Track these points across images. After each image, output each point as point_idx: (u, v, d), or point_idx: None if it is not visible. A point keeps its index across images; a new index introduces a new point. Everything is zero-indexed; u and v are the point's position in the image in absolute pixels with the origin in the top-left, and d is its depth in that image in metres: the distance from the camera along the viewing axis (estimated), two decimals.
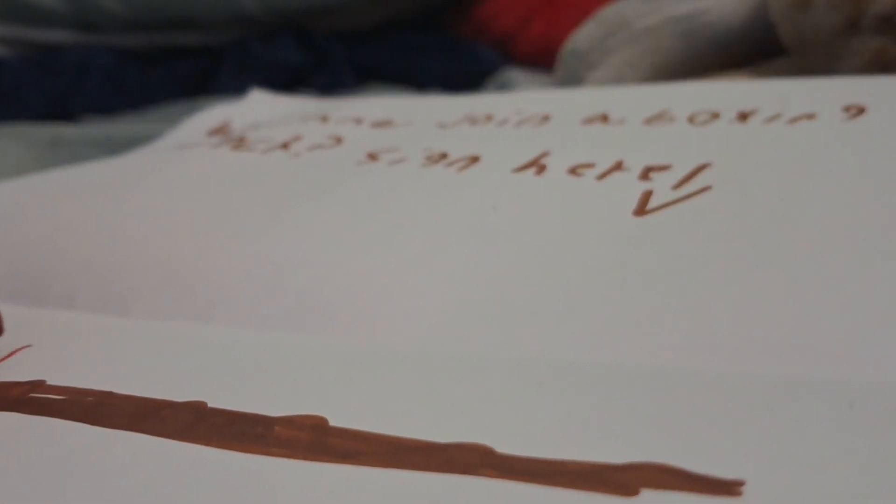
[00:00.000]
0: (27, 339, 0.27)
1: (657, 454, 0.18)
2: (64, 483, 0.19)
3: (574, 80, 0.53)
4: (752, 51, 0.48)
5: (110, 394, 0.22)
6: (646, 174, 0.30)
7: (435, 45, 0.78)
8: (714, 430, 0.19)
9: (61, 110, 0.65)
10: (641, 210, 0.28)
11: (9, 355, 0.26)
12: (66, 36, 0.72)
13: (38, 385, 0.23)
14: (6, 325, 0.27)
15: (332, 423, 0.20)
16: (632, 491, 0.17)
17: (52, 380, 0.23)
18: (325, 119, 0.43)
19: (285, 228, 0.31)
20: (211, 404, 0.21)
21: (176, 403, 0.21)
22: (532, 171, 0.32)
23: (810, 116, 0.32)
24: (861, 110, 0.32)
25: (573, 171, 0.31)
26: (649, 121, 0.35)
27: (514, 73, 0.69)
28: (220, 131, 0.46)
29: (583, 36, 0.53)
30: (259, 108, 0.49)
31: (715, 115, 0.34)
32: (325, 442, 0.19)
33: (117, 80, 0.70)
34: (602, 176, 0.31)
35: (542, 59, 0.71)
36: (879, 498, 0.16)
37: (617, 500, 0.17)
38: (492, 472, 0.18)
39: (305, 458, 0.19)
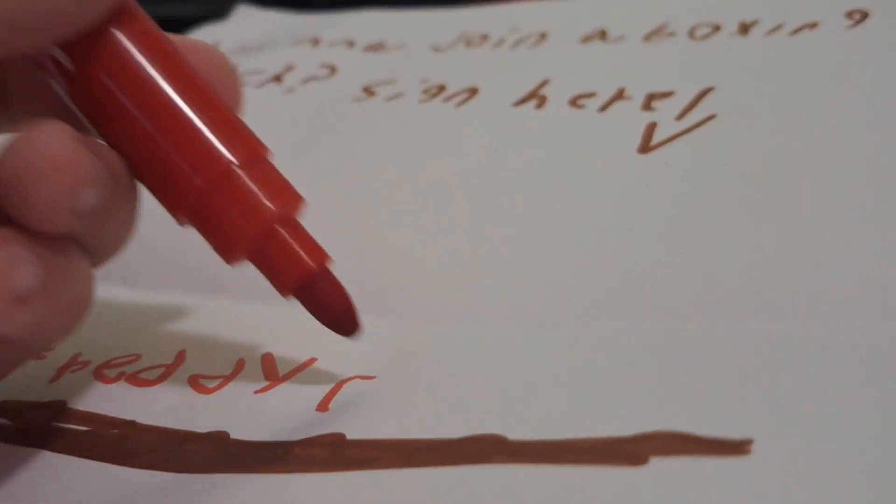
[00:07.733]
0: None
1: (668, 422, 0.18)
2: None
3: None
4: None
5: (133, 425, 0.22)
6: (648, 103, 0.30)
7: (432, 3, 0.76)
8: (723, 390, 0.19)
9: None
10: (645, 146, 0.28)
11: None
12: None
13: (60, 409, 0.23)
14: None
15: (350, 437, 0.20)
16: (641, 460, 0.17)
17: None
18: (316, 42, 0.42)
19: None
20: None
21: (199, 435, 0.21)
22: (532, 103, 0.31)
23: (812, 26, 0.31)
24: (865, 15, 0.31)
25: (574, 102, 0.31)
26: (649, 37, 0.34)
27: None
28: None
29: None
30: (247, 26, 0.48)
31: (716, 28, 0.33)
32: (343, 455, 0.19)
33: None
34: (604, 107, 0.30)
35: None
36: (890, 452, 0.16)
37: (626, 470, 0.17)
38: (503, 458, 0.18)
39: (323, 471, 0.19)
